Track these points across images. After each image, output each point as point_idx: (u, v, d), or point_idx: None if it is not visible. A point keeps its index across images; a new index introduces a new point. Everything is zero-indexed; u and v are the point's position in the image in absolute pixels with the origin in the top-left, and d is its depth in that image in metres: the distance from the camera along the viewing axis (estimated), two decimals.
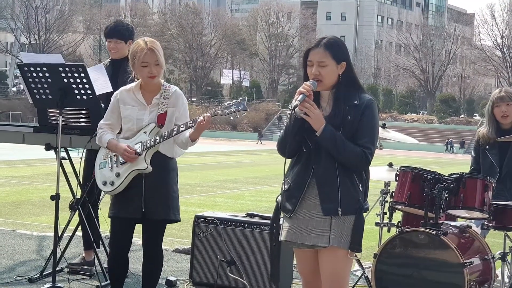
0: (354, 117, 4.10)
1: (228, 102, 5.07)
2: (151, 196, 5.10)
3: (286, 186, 4.22)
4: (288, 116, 4.14)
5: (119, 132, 5.27)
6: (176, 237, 11.62)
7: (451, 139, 63.62)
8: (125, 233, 5.24)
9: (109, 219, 5.26)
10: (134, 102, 5.16)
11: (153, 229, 5.22)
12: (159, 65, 5.08)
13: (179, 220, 5.23)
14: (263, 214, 6.52)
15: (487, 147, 6.29)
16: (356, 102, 4.13)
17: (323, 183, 4.10)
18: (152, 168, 5.06)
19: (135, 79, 5.22)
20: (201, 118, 4.94)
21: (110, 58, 6.76)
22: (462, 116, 78.69)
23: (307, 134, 4.13)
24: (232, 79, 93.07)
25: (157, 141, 5.04)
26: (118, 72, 6.40)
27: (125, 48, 6.50)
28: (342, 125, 4.09)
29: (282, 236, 4.27)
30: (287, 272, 6.31)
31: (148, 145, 5.05)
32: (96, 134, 5.29)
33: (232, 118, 4.97)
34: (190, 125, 4.99)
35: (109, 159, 5.19)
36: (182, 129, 5.01)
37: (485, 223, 5.83)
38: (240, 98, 5.08)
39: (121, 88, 5.27)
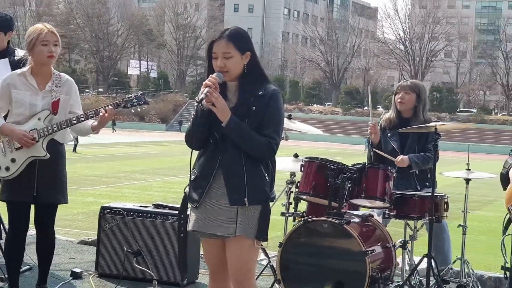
0: (259, 108, 4.12)
1: (129, 96, 5.23)
2: (43, 181, 5.21)
3: (192, 176, 4.25)
4: (195, 108, 4.17)
5: (5, 116, 5.28)
6: (82, 229, 11.49)
7: None
8: (21, 216, 5.30)
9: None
10: (25, 86, 5.21)
11: (45, 213, 5.36)
12: (57, 46, 5.19)
13: (67, 203, 5.39)
14: (170, 205, 6.51)
15: (388, 134, 6.47)
16: (261, 92, 4.15)
17: (230, 173, 4.13)
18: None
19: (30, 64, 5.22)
20: (103, 111, 5.10)
21: None
22: (366, 107, 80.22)
23: (213, 125, 4.16)
24: (140, 70, 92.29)
25: (55, 129, 5.15)
26: None
27: (4, 40, 6.16)
28: (247, 116, 4.11)
29: (189, 226, 4.28)
30: (194, 262, 6.34)
31: (46, 133, 5.15)
32: None
33: (133, 111, 5.14)
34: (90, 115, 5.14)
35: (1, 144, 5.23)
36: (82, 119, 5.16)
37: (386, 212, 5.98)
38: (140, 92, 5.24)
39: (11, 73, 5.30)
